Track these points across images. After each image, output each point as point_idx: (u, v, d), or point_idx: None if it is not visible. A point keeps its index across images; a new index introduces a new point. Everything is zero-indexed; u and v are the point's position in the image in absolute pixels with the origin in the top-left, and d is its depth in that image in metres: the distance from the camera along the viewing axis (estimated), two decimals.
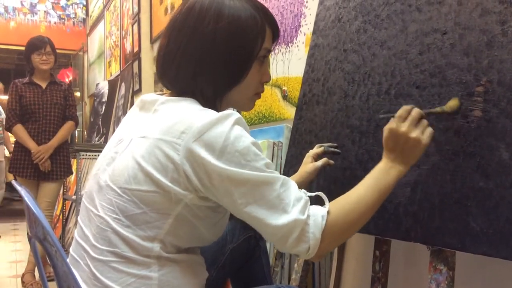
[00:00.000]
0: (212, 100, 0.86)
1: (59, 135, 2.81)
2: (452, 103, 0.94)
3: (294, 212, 0.77)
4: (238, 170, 0.76)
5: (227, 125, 0.77)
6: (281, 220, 0.77)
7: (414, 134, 0.86)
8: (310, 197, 0.84)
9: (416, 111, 0.88)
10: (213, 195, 0.79)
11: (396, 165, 0.87)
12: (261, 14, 0.87)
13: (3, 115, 4.65)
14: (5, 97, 4.60)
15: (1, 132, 4.59)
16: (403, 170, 0.88)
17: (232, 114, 0.79)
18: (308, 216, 0.79)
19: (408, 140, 0.86)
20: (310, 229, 0.78)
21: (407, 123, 0.87)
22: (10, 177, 5.17)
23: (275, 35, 0.91)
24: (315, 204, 0.83)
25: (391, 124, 0.88)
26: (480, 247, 0.85)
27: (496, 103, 0.89)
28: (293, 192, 0.79)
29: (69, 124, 2.87)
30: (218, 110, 0.81)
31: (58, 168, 2.82)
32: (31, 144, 2.71)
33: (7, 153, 4.72)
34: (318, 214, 0.79)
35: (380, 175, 0.87)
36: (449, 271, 0.93)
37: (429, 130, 0.88)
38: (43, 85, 2.82)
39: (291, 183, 0.81)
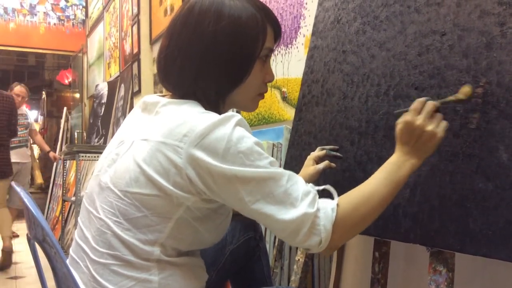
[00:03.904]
0: (215, 101, 0.86)
1: None
2: (465, 90, 0.92)
3: (303, 206, 0.77)
4: (243, 168, 0.76)
5: (229, 127, 0.77)
6: (290, 214, 0.76)
7: (430, 127, 0.84)
8: (318, 191, 0.83)
9: (430, 104, 0.86)
10: (219, 197, 0.79)
11: (410, 158, 0.86)
12: (262, 13, 0.87)
13: (29, 119, 4.77)
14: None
15: (25, 135, 4.70)
16: (416, 164, 0.86)
17: (233, 116, 0.79)
18: (318, 209, 0.78)
19: (423, 134, 0.85)
20: (321, 222, 0.77)
21: (422, 116, 0.85)
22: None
23: (277, 34, 0.91)
24: (324, 198, 0.82)
25: (406, 117, 0.87)
26: (480, 249, 0.85)
27: (495, 105, 0.89)
28: (300, 187, 0.79)
29: None
30: (221, 112, 0.81)
31: None
32: None
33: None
34: (327, 207, 0.79)
35: (394, 169, 0.85)
36: (449, 272, 0.93)
37: (444, 123, 0.86)
38: None
39: (298, 178, 0.81)
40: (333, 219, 0.78)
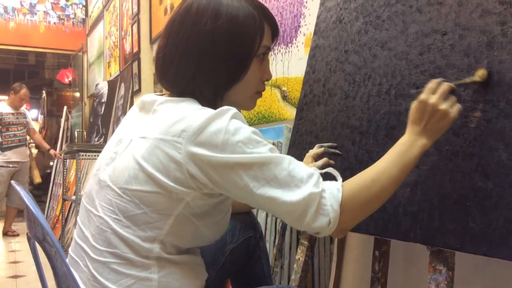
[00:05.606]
0: (213, 100, 0.86)
1: None
2: (481, 73, 0.91)
3: (308, 187, 0.77)
4: (244, 155, 0.76)
5: (225, 119, 0.78)
6: (296, 196, 0.76)
7: (443, 106, 0.84)
8: (322, 174, 0.83)
9: (446, 85, 0.85)
10: (224, 189, 0.79)
11: (421, 138, 0.85)
12: (259, 11, 0.87)
13: (28, 118, 4.78)
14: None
15: (24, 134, 4.71)
16: (427, 144, 0.85)
17: (229, 109, 0.79)
18: (323, 189, 0.78)
19: (436, 112, 0.84)
20: (328, 202, 0.77)
21: (437, 95, 0.84)
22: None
23: (275, 32, 0.92)
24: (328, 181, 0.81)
25: (420, 96, 0.85)
26: (479, 247, 0.85)
27: (495, 104, 0.89)
28: (303, 169, 0.79)
29: None
30: None
31: None
32: None
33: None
34: (332, 187, 0.79)
35: (404, 149, 0.84)
36: (449, 271, 0.93)
37: (458, 105, 0.86)
38: None
39: (299, 161, 0.81)
40: (339, 199, 0.78)
